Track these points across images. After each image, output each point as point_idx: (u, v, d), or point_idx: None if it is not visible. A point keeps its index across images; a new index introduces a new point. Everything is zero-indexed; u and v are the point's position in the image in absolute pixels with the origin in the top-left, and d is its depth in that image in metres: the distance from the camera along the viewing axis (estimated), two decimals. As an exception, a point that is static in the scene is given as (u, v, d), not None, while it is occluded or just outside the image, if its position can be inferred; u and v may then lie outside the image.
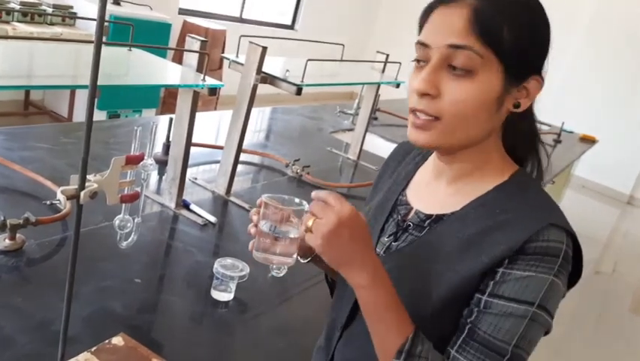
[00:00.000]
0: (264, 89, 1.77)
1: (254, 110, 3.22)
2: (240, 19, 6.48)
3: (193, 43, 1.54)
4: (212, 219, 1.65)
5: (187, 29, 5.16)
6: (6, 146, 1.82)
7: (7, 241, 1.25)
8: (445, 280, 0.75)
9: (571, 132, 4.61)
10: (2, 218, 1.23)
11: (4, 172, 1.62)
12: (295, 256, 0.81)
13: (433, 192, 0.86)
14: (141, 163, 0.82)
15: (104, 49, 1.76)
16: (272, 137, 2.89)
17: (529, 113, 0.82)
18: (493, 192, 0.79)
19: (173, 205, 1.66)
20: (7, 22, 3.53)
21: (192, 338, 1.18)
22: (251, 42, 1.71)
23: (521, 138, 0.83)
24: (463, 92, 0.73)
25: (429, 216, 0.83)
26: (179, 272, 1.43)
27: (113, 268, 1.31)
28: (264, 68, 1.74)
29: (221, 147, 1.90)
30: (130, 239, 0.88)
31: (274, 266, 1.45)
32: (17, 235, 1.27)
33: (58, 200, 0.72)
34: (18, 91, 4.25)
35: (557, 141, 4.11)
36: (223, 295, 1.30)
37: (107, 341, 1.04)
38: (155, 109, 4.85)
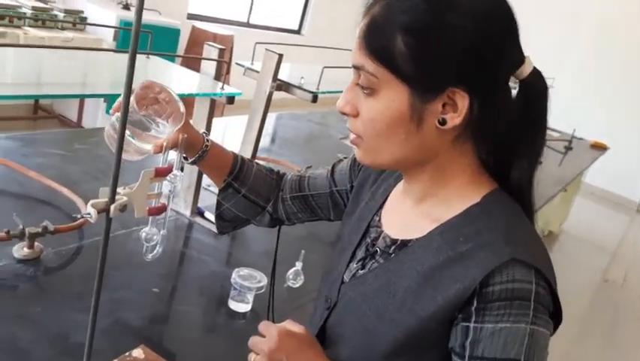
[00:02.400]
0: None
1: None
2: (248, 24, 6.49)
3: (211, 51, 1.53)
4: (228, 227, 1.64)
5: (195, 34, 5.17)
6: (21, 152, 1.81)
7: (25, 249, 1.25)
8: (401, 321, 0.68)
9: (581, 139, 4.59)
10: (21, 227, 1.23)
11: (19, 179, 1.61)
12: (146, 148, 0.83)
13: (402, 212, 0.77)
14: (169, 176, 0.81)
15: (118, 55, 1.75)
16: (279, 143, 2.88)
17: (535, 127, 0.71)
18: (461, 216, 0.69)
19: (188, 213, 1.66)
20: (19, 27, 3.53)
21: (210, 350, 1.17)
22: (267, 50, 1.71)
23: (508, 154, 0.72)
24: (371, 112, 0.68)
25: (394, 242, 0.75)
26: (194, 282, 1.42)
27: (126, 278, 1.30)
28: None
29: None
30: (155, 251, 0.87)
31: (291, 279, 1.44)
32: (35, 244, 1.27)
33: (89, 213, 0.71)
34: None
35: (568, 148, 4.09)
36: (241, 305, 1.29)
37: (127, 353, 1.03)
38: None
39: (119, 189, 0.76)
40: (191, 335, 1.21)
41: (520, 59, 0.69)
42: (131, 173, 0.86)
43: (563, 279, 0.74)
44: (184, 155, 0.92)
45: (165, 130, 0.82)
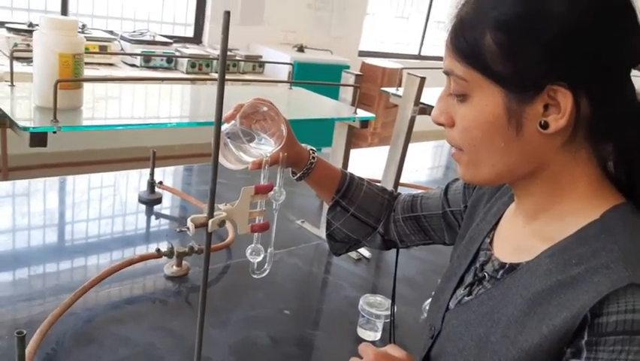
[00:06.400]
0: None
1: (430, 145, 3.16)
2: (419, 57, 6.51)
3: (348, 77, 1.55)
4: (367, 254, 1.62)
5: (365, 70, 5.33)
6: (188, 181, 2.02)
7: (174, 267, 1.36)
8: (502, 354, 0.61)
9: None
10: (171, 246, 1.35)
11: (182, 204, 1.79)
12: (246, 160, 0.84)
13: (513, 233, 0.71)
14: (270, 193, 0.83)
15: (292, 92, 1.85)
16: (451, 173, 2.78)
17: None
18: (576, 235, 0.61)
19: (329, 239, 1.67)
20: (207, 73, 4.00)
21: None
22: (409, 73, 1.68)
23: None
24: (465, 119, 0.63)
25: (503, 266, 0.68)
26: (327, 306, 1.42)
27: (263, 298, 1.34)
28: (427, 101, 1.70)
29: (377, 181, 1.87)
30: (263, 269, 0.88)
31: (427, 310, 1.36)
32: (183, 262, 1.38)
33: (187, 228, 0.74)
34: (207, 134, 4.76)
35: None
36: (369, 334, 1.25)
37: (246, 370, 1.05)
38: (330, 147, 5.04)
39: (221, 206, 0.79)
40: (311, 360, 1.20)
41: None
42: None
43: None
44: (293, 171, 0.94)
45: (268, 146, 0.84)
